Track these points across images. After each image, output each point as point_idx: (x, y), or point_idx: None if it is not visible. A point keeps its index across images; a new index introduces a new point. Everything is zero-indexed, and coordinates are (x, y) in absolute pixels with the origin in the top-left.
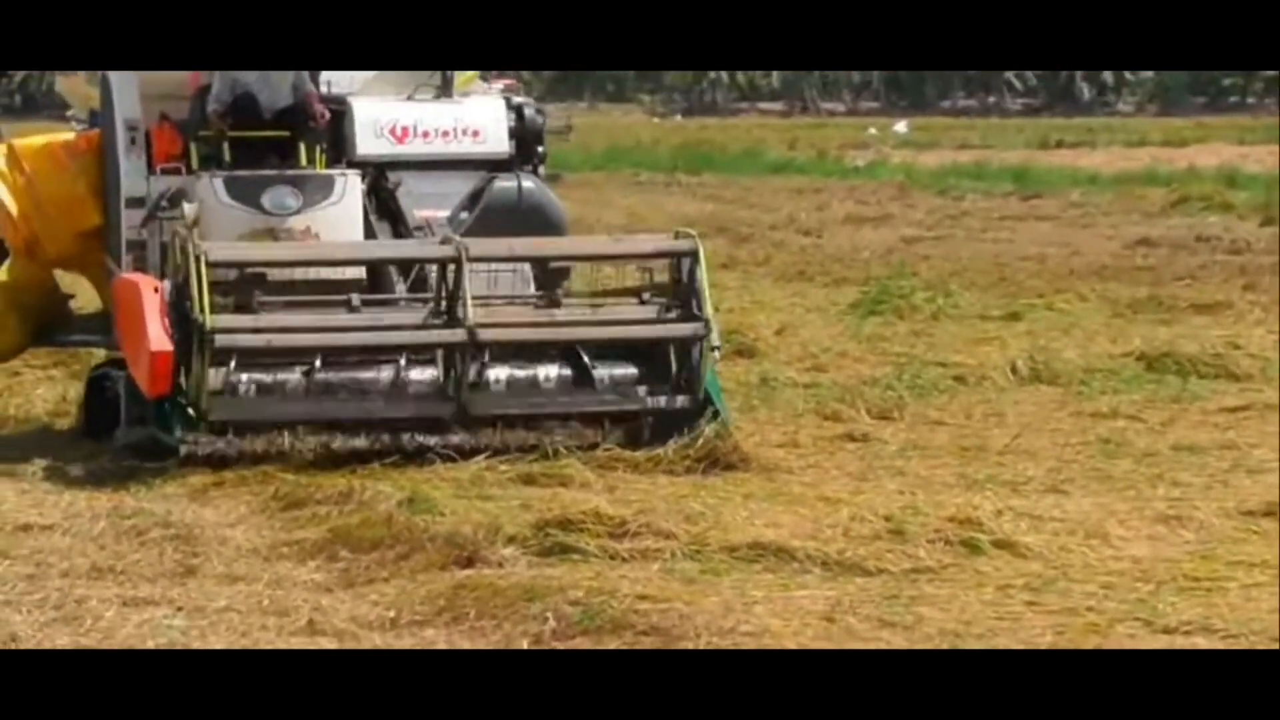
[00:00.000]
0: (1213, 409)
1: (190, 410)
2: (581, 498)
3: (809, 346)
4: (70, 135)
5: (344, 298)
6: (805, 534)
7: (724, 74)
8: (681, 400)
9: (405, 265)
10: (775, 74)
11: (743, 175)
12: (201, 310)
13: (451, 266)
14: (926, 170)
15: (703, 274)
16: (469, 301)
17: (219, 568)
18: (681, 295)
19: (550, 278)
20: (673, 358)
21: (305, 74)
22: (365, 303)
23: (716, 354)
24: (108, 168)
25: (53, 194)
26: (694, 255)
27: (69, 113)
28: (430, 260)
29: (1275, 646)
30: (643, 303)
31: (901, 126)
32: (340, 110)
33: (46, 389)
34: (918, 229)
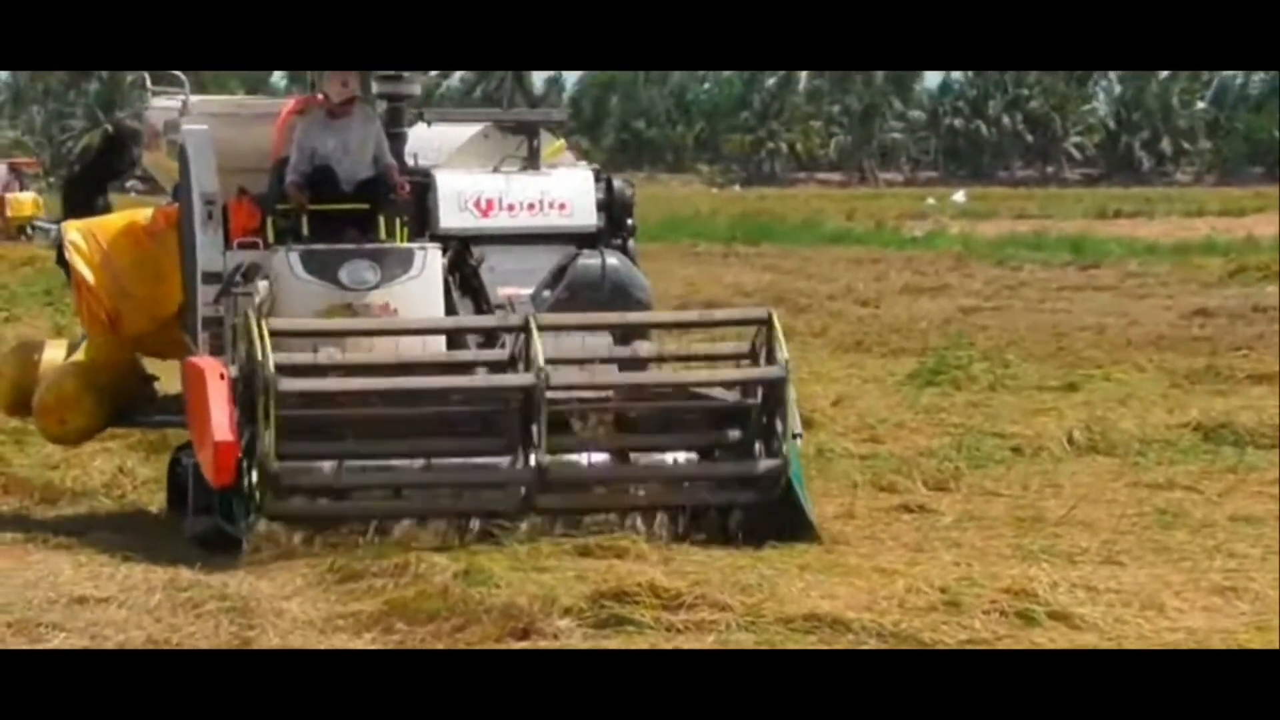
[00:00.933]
0: (1270, 480)
1: (254, 500)
2: (637, 569)
3: (866, 417)
4: (149, 212)
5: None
6: (861, 605)
7: (783, 144)
8: (767, 464)
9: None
10: (833, 144)
11: (801, 245)
12: (264, 362)
13: (521, 335)
14: (984, 240)
15: (780, 337)
16: (540, 355)
17: (274, 640)
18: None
19: (631, 365)
20: (751, 420)
21: (385, 145)
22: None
23: (798, 440)
24: (184, 243)
25: (132, 273)
26: (769, 323)
27: (129, 183)
28: (497, 330)
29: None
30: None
31: (959, 196)
32: (424, 182)
33: (104, 461)
34: (975, 299)
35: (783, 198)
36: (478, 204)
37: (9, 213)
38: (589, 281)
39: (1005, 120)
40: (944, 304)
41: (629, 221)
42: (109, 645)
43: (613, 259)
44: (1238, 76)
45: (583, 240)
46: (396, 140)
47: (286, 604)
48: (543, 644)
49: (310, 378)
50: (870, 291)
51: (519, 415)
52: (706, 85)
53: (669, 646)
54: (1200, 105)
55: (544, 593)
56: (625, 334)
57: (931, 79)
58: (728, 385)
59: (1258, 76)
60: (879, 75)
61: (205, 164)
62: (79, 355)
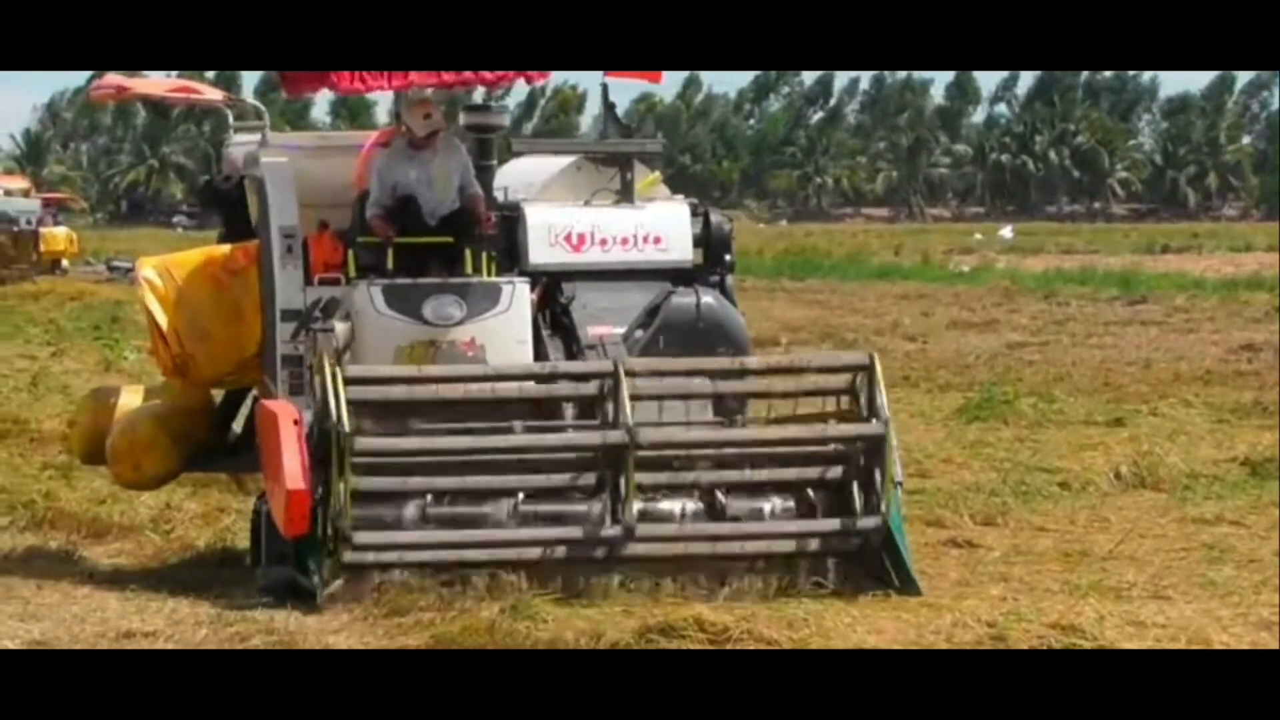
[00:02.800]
0: None
1: (328, 552)
2: (684, 603)
3: (913, 452)
4: (227, 249)
5: (506, 424)
6: (908, 640)
7: (829, 180)
8: (866, 523)
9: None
10: (880, 179)
11: (847, 280)
12: (339, 416)
13: (609, 381)
14: (1031, 275)
15: (880, 384)
16: (628, 407)
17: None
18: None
19: (726, 411)
20: (854, 476)
21: (472, 174)
22: (527, 429)
23: (899, 489)
24: (263, 279)
25: (211, 312)
26: (870, 369)
27: (175, 219)
28: (583, 376)
29: None
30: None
31: (1007, 232)
32: (513, 216)
33: (151, 496)
34: (1023, 334)
35: (829, 233)
36: (569, 239)
37: (42, 247)
38: (683, 321)
39: (1052, 155)
40: (991, 339)
41: (727, 257)
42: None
43: (708, 297)
44: None
45: (678, 277)
46: (485, 173)
47: (333, 638)
48: None
49: (386, 437)
50: (917, 327)
51: (606, 469)
52: (751, 121)
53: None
54: (1245, 140)
55: (590, 627)
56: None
57: (979, 114)
58: (825, 441)
59: None
60: (928, 109)
61: (285, 197)
62: (155, 399)
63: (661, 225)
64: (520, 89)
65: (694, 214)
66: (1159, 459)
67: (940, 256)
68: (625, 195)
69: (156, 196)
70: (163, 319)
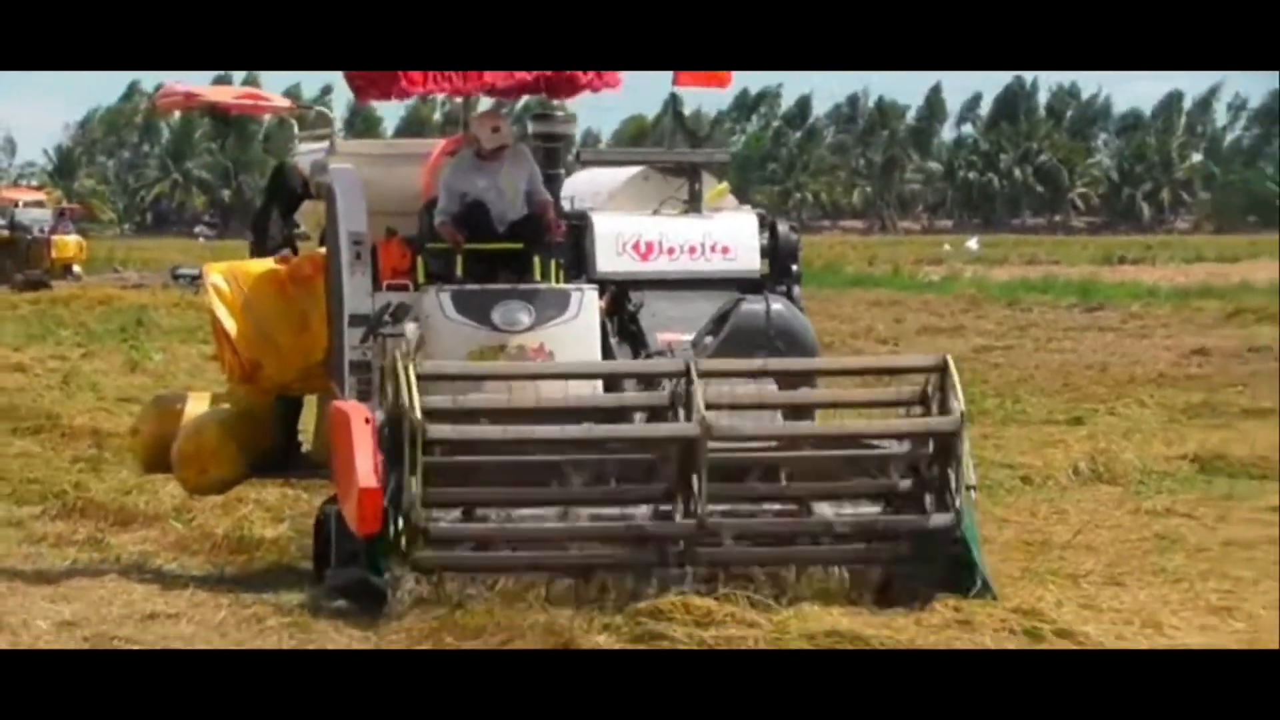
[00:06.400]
0: (1262, 507)
1: (399, 550)
2: (672, 589)
3: None
4: (295, 259)
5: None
6: (879, 624)
7: (809, 194)
8: (940, 520)
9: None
10: (856, 194)
11: (824, 288)
12: (411, 406)
13: (681, 381)
14: (996, 284)
15: (955, 384)
16: (701, 403)
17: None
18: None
19: (796, 416)
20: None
21: (540, 181)
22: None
23: (973, 494)
24: (330, 286)
25: (277, 321)
26: (944, 370)
27: (197, 229)
28: (657, 375)
29: None
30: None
31: (973, 243)
32: (580, 225)
33: (175, 487)
34: (988, 339)
35: (808, 244)
36: (636, 247)
37: (54, 254)
38: (753, 328)
39: (1016, 172)
40: (958, 343)
41: (794, 267)
42: None
43: (777, 304)
44: (1232, 130)
45: (746, 286)
46: (552, 182)
47: (343, 618)
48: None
49: (459, 423)
50: (889, 332)
51: (678, 466)
52: (734, 138)
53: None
54: (1196, 158)
55: (584, 609)
56: (790, 381)
57: (948, 133)
58: (899, 436)
59: (1253, 131)
60: (900, 129)
61: (353, 203)
62: (221, 404)
63: (729, 235)
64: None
65: (761, 224)
66: (1115, 455)
67: (911, 266)
68: (693, 205)
69: (180, 208)
70: (230, 325)
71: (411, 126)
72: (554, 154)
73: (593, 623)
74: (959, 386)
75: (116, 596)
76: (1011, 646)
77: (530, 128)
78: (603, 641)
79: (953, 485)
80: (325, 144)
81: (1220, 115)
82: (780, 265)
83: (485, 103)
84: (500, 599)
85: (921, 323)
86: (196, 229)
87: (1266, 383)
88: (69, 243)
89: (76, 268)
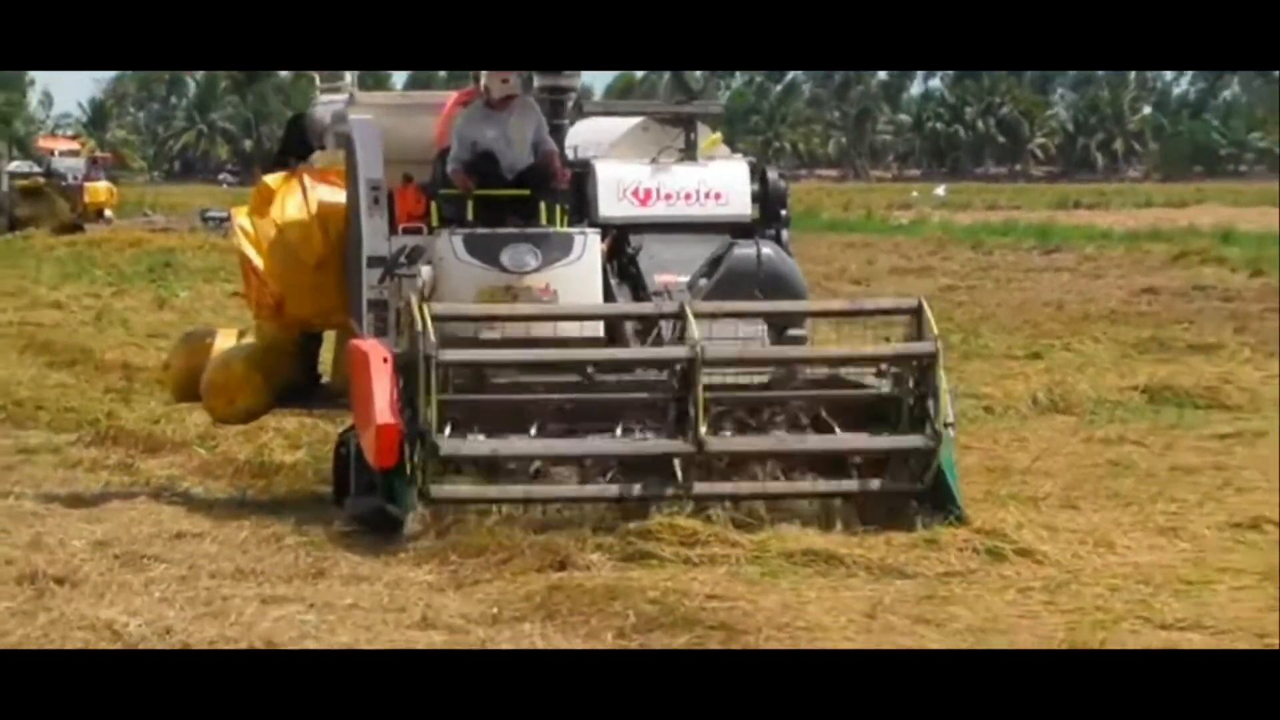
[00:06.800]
0: (1206, 435)
1: (414, 481)
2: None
3: None
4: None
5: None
6: (852, 543)
7: (788, 144)
8: (916, 440)
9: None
10: (832, 145)
11: (803, 232)
12: (426, 337)
13: (678, 322)
14: (961, 228)
15: (930, 321)
16: (696, 333)
17: (345, 570)
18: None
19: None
20: (904, 405)
21: (546, 132)
22: (598, 367)
23: (951, 430)
24: (350, 228)
25: (299, 259)
26: (920, 311)
27: (220, 176)
28: (654, 316)
29: (1259, 643)
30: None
31: (940, 190)
32: (583, 172)
33: (200, 416)
34: (953, 279)
35: None
36: (636, 193)
37: (86, 199)
38: (745, 271)
39: (980, 124)
40: (926, 283)
41: (783, 212)
42: (203, 574)
43: (768, 249)
44: (1179, 85)
45: (738, 230)
46: (557, 132)
47: (356, 538)
48: (577, 575)
49: (470, 349)
50: (862, 272)
51: (675, 394)
52: (720, 92)
53: (687, 578)
54: (1146, 111)
55: (579, 530)
56: (779, 321)
57: (916, 88)
58: (880, 360)
59: (1198, 85)
60: (873, 84)
61: (371, 152)
62: (247, 338)
63: (722, 182)
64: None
65: (752, 172)
66: (1070, 387)
67: (882, 211)
68: (689, 154)
69: (205, 157)
70: (259, 261)
71: (418, 81)
72: (559, 105)
73: (586, 543)
74: (934, 324)
75: (146, 517)
76: (974, 564)
77: (536, 81)
78: (595, 559)
79: (932, 415)
80: (345, 96)
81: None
82: (770, 210)
83: None
84: (502, 522)
85: (892, 264)
86: (220, 175)
87: (1211, 319)
88: (100, 189)
89: (108, 212)
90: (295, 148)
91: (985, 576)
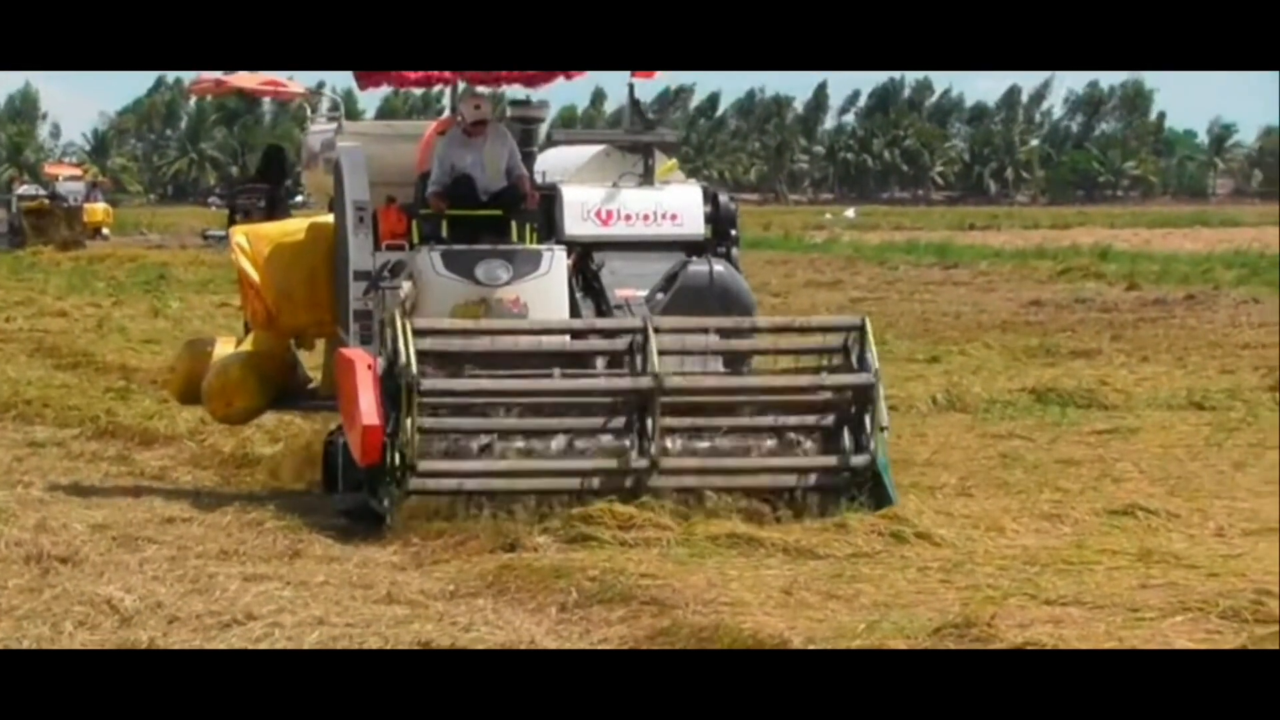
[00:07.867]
0: (1086, 431)
1: (396, 479)
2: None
3: None
4: (304, 223)
5: (548, 372)
6: (771, 528)
7: (715, 172)
8: (858, 460)
9: (604, 341)
10: (754, 171)
11: None
12: (408, 361)
13: (639, 336)
14: (869, 246)
15: (870, 342)
16: (656, 359)
17: (319, 551)
18: (850, 362)
19: (735, 362)
20: (846, 420)
21: (519, 158)
22: (565, 375)
23: (885, 433)
24: (337, 245)
25: (292, 274)
26: (862, 329)
27: (209, 200)
28: (616, 331)
29: (1133, 618)
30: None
31: (850, 213)
32: (551, 195)
33: (190, 412)
34: (862, 291)
35: None
36: (599, 214)
37: (85, 219)
38: (698, 286)
39: (886, 154)
40: (838, 295)
41: (733, 232)
42: (190, 555)
43: (719, 266)
44: (1064, 120)
45: (691, 248)
46: (527, 159)
47: (329, 522)
48: (526, 555)
49: (448, 378)
50: (781, 286)
51: (637, 411)
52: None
53: (623, 558)
54: (1034, 142)
55: (529, 515)
56: (729, 334)
57: (830, 122)
58: (822, 390)
59: (1078, 120)
60: (789, 118)
61: (358, 176)
62: (244, 346)
63: (677, 204)
64: (559, 87)
65: (705, 196)
66: (965, 388)
67: (799, 232)
68: (647, 178)
69: (195, 182)
70: (255, 276)
71: (384, 113)
72: (529, 134)
73: (534, 527)
74: (873, 344)
75: (140, 503)
76: (879, 545)
77: (509, 112)
78: (543, 541)
79: (869, 429)
80: (334, 125)
81: (1058, 107)
82: (721, 230)
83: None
84: (461, 511)
85: (807, 278)
86: (209, 199)
87: (1090, 328)
88: (97, 209)
89: (105, 230)
90: (272, 174)
91: (889, 557)
